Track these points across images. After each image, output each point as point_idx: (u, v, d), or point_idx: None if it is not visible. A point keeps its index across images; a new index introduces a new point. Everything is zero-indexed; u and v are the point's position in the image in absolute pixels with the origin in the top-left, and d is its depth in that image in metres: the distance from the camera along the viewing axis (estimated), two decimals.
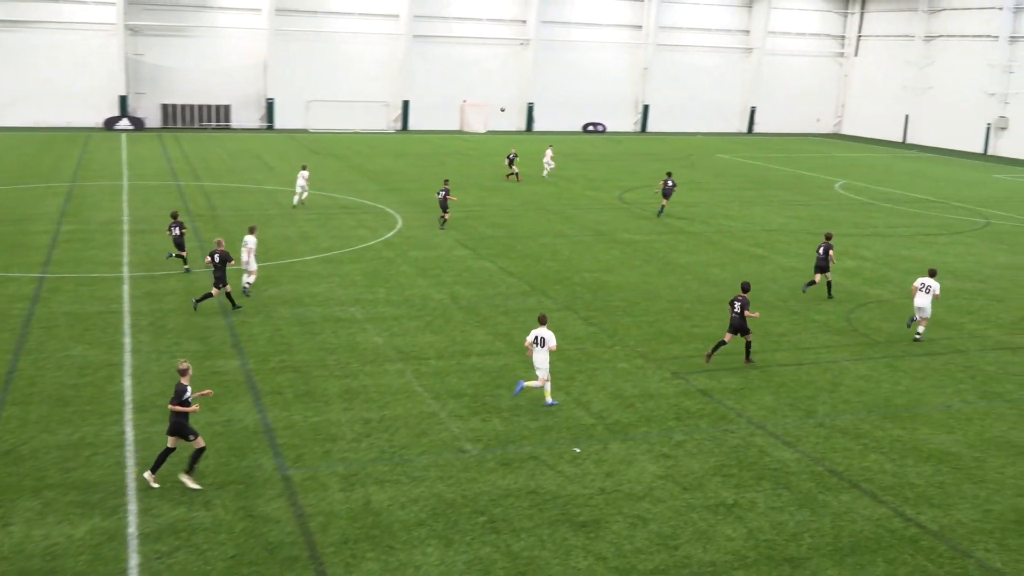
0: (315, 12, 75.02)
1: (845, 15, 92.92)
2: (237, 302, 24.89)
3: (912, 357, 23.07)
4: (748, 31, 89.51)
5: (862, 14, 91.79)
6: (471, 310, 25.50)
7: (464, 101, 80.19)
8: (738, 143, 78.52)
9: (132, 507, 14.42)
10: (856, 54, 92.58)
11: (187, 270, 28.25)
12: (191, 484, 15.02)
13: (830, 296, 28.26)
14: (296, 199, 39.23)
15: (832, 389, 20.55)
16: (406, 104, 78.29)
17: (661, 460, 16.74)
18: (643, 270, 31.07)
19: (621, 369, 21.29)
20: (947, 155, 76.93)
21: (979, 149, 79.27)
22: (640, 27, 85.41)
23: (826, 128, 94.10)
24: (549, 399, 18.96)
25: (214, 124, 73.09)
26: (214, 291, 24.15)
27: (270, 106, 74.45)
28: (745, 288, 21.76)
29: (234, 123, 73.88)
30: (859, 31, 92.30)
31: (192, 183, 45.41)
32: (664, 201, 41.19)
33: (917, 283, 24.40)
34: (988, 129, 78.61)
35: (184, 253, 28.43)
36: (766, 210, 44.14)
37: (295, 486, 15.24)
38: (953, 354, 23.49)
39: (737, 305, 21.47)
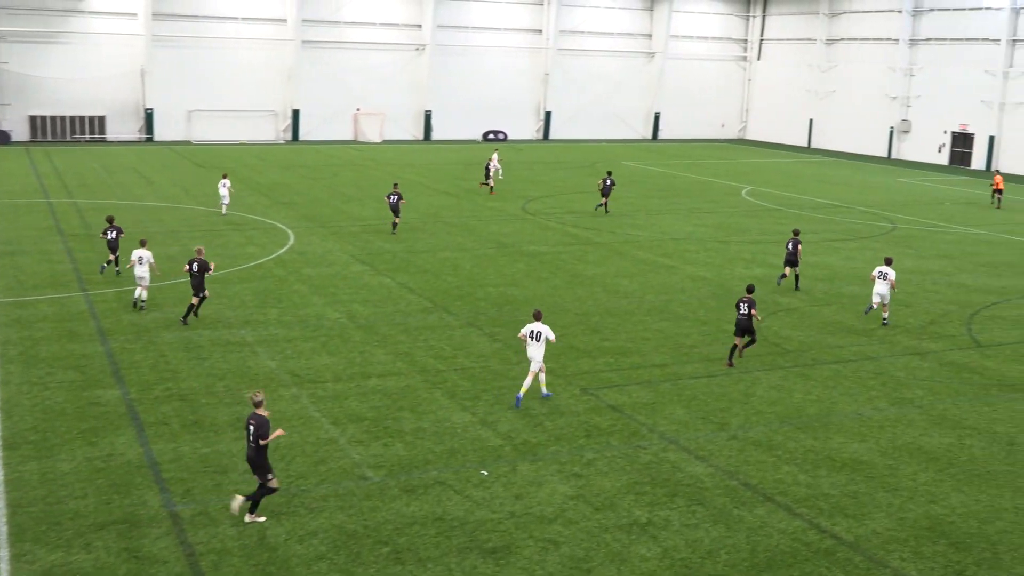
0: (196, 17, 73.69)
1: (747, 18, 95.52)
2: (186, 320, 25.25)
3: (823, 365, 23.72)
4: (650, 35, 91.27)
5: (764, 17, 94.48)
6: (370, 329, 25.30)
7: (358, 109, 79.76)
8: (643, 150, 79.88)
9: (3, 552, 13.84)
10: (759, 58, 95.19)
11: (118, 272, 29.76)
12: (259, 519, 14.97)
13: (797, 288, 31.52)
14: (223, 208, 41.37)
15: (744, 400, 20.98)
16: (296, 113, 77.46)
17: (572, 480, 16.83)
18: (550, 283, 31.28)
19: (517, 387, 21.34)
20: (852, 159, 79.59)
21: (883, 153, 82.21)
22: (540, 31, 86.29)
23: (731, 133, 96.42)
24: (545, 389, 20.60)
25: (88, 137, 71.04)
26: (195, 300, 25.05)
27: (149, 117, 72.76)
28: (750, 289, 23.82)
29: (110, 135, 71.95)
30: (761, 34, 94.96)
31: (65, 200, 44.03)
32: (604, 199, 45.21)
33: (875, 272, 27.55)
34: (891, 132, 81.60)
35: (116, 255, 29.87)
36: (673, 219, 44.95)
37: (184, 523, 14.85)
38: (864, 361, 24.24)
39: (744, 307, 23.31)
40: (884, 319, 27.54)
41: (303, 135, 78.14)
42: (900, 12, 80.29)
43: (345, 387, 20.93)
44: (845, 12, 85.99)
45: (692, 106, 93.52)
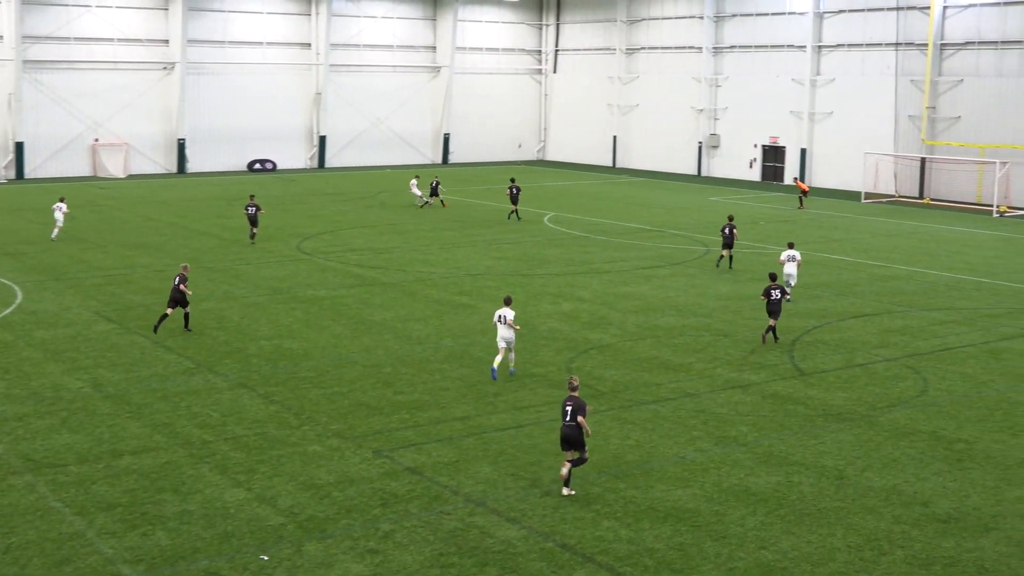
0: None
1: (540, 27, 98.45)
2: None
3: (641, 406, 24.48)
4: (434, 47, 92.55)
5: (558, 26, 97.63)
6: (120, 398, 24.34)
7: (95, 140, 77.00)
8: (433, 176, 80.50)
9: None
10: (555, 70, 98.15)
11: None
12: (568, 492, 19.26)
13: (731, 267, 41.73)
14: (55, 232, 46.46)
15: (557, 452, 21.34)
16: (19, 147, 73.99)
17: (367, 557, 16.65)
18: (332, 331, 31.03)
19: (313, 453, 21.06)
20: (661, 178, 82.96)
21: (693, 170, 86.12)
22: (309, 45, 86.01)
23: (529, 155, 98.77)
24: (512, 367, 26.57)
25: None
26: (176, 311, 30.53)
27: None
28: (773, 277, 30.67)
29: None
30: (556, 45, 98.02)
31: None
32: (430, 200, 54.20)
33: (783, 256, 36.29)
34: (700, 148, 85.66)
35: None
36: (470, 252, 45.53)
37: None
38: (683, 398, 25.17)
39: (775, 293, 29.66)
40: (788, 298, 34.36)
41: (29, 172, 74.69)
42: (702, 18, 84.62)
43: (92, 469, 20.01)
44: (644, 19, 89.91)
45: (485, 125, 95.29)
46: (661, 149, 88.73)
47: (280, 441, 21.74)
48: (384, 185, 73.52)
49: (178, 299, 30.11)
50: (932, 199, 69.47)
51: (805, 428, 23.19)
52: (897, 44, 72.70)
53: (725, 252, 41.65)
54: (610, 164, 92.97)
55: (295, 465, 20.39)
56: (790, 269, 35.87)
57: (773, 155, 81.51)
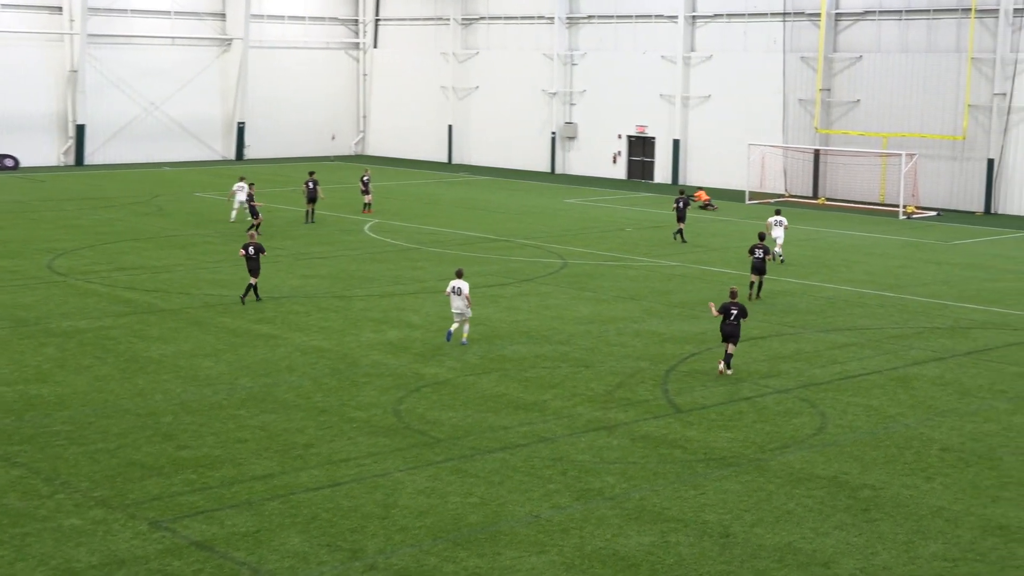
0: None
1: None
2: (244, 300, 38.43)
3: (485, 455, 24.50)
4: (223, 15, 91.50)
5: None
6: None
7: None
8: (223, 174, 79.48)
9: None
10: (375, 44, 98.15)
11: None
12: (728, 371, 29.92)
13: (683, 241, 53.07)
14: None
15: (384, 515, 21.20)
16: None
17: None
18: (95, 372, 30.32)
19: (70, 528, 20.43)
20: (506, 176, 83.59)
21: (545, 167, 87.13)
22: (60, 9, 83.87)
23: (346, 148, 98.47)
24: (464, 339, 33.34)
25: None
26: (253, 280, 38.74)
27: None
28: (761, 236, 42.04)
29: None
30: (376, 13, 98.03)
31: None
32: (309, 207, 57.66)
33: (771, 220, 47.73)
34: (553, 140, 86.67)
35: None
36: (272, 269, 44.99)
37: None
38: (537, 444, 25.30)
39: (759, 251, 40.07)
40: (781, 257, 47.53)
41: None
42: None
43: None
44: None
45: (290, 113, 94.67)
46: (506, 141, 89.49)
47: (26, 515, 21.01)
48: (162, 187, 72.15)
49: (253, 269, 38.78)
50: (828, 199, 71.85)
51: (683, 476, 23.56)
52: (785, 14, 74.94)
53: (682, 225, 53.60)
54: (445, 160, 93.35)
55: (46, 545, 19.74)
56: (777, 232, 47.31)
57: (641, 148, 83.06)
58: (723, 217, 62.67)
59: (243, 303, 38.55)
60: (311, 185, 57.55)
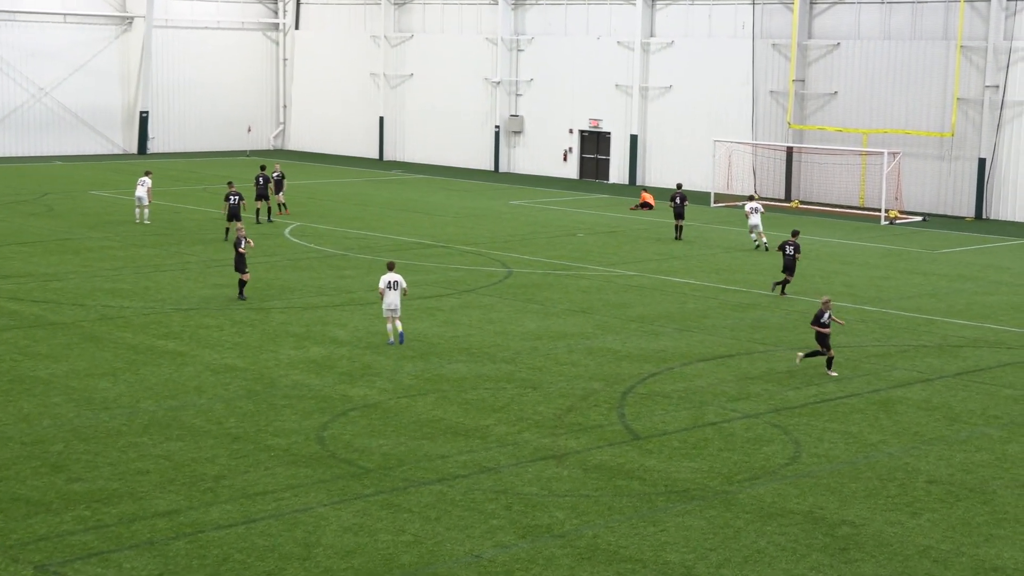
0: None
1: None
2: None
3: (420, 487, 24.40)
4: None
5: None
6: None
7: None
8: (123, 170, 78.95)
9: None
10: (297, 26, 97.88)
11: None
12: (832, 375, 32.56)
13: (679, 238, 56.83)
14: None
15: (305, 555, 21.07)
16: None
17: None
18: None
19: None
20: (445, 175, 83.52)
21: (488, 165, 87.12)
22: None
23: (264, 142, 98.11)
24: (401, 333, 34.95)
25: None
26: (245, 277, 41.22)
27: None
28: (795, 233, 45.02)
29: None
30: None
31: None
32: (259, 204, 58.40)
33: (747, 207, 54.00)
34: (497, 134, 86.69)
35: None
36: (175, 277, 44.80)
37: None
38: (478, 475, 25.22)
39: (789, 249, 42.80)
40: (766, 243, 53.09)
41: None
42: None
43: None
44: None
45: (199, 101, 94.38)
46: (445, 136, 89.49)
47: None
48: (53, 184, 71.56)
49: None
50: (802, 202, 72.18)
51: (641, 511, 23.56)
52: None
53: (679, 223, 57.15)
54: (375, 156, 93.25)
55: None
56: (754, 220, 53.35)
57: (595, 144, 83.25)
58: (686, 220, 62.86)
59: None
60: (261, 181, 58.54)
